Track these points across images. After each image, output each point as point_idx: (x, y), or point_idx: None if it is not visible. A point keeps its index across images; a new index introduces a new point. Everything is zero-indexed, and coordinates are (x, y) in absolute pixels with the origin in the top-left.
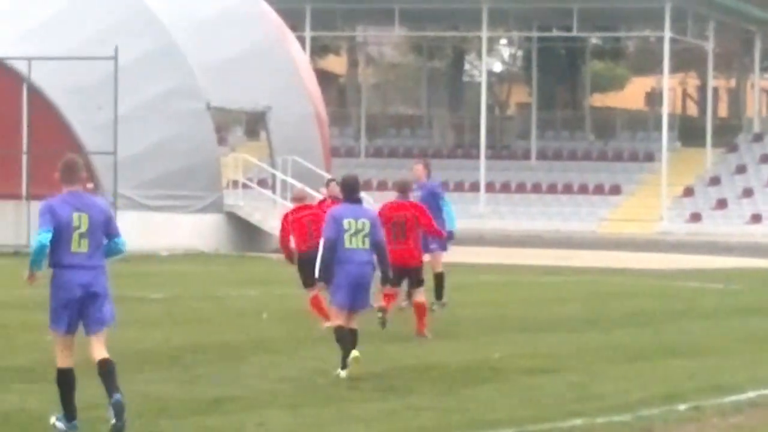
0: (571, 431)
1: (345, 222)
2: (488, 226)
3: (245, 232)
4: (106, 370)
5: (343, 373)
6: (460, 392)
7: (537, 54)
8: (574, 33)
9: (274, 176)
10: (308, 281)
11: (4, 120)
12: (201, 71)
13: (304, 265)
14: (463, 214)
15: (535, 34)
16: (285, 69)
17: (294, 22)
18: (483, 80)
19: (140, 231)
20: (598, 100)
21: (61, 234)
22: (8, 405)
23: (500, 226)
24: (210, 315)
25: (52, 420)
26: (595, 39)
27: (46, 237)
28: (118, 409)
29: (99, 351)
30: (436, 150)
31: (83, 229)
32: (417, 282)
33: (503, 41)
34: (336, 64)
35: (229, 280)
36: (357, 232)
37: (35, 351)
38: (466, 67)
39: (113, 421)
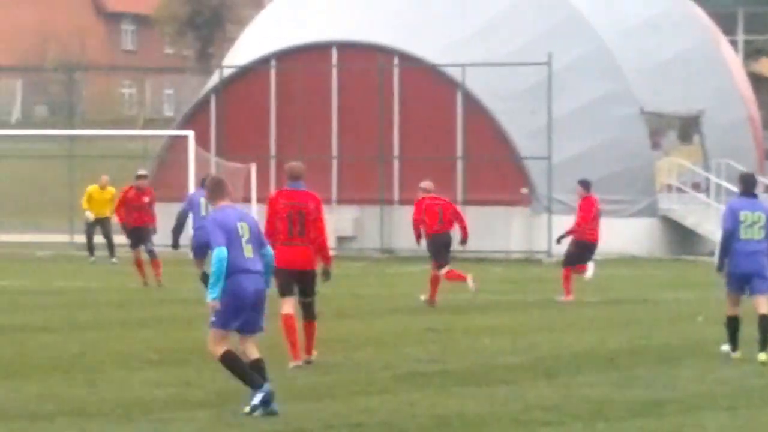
0: None
1: (741, 214)
2: None
3: (679, 235)
4: (259, 366)
5: (731, 353)
6: None
7: None
8: None
9: (707, 180)
10: (437, 256)
11: (439, 126)
12: (634, 76)
13: (433, 242)
14: None
15: None
16: (718, 72)
17: (726, 26)
18: None
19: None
20: None
21: (232, 243)
22: (447, 409)
23: None
24: (645, 318)
25: (247, 409)
26: None
27: (223, 252)
28: (268, 395)
29: (253, 351)
30: None
31: (246, 236)
32: None
33: None
34: None
35: (664, 284)
36: (752, 224)
37: (473, 354)
38: None
39: (255, 402)
